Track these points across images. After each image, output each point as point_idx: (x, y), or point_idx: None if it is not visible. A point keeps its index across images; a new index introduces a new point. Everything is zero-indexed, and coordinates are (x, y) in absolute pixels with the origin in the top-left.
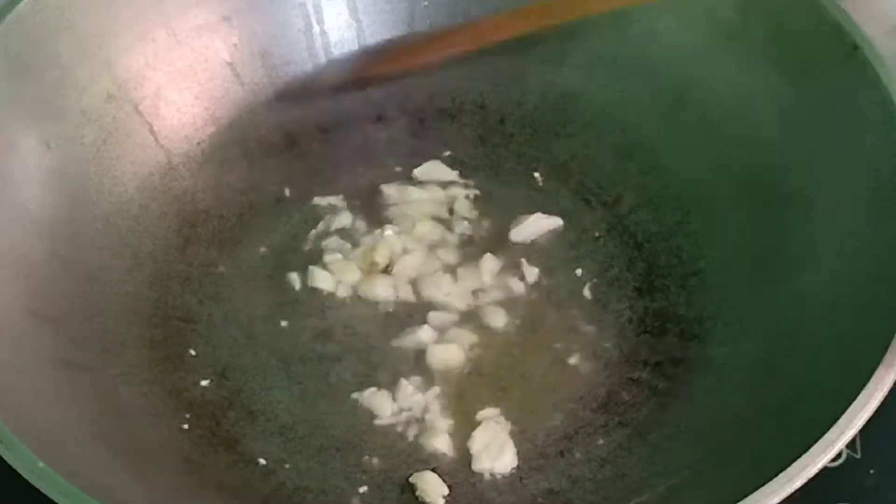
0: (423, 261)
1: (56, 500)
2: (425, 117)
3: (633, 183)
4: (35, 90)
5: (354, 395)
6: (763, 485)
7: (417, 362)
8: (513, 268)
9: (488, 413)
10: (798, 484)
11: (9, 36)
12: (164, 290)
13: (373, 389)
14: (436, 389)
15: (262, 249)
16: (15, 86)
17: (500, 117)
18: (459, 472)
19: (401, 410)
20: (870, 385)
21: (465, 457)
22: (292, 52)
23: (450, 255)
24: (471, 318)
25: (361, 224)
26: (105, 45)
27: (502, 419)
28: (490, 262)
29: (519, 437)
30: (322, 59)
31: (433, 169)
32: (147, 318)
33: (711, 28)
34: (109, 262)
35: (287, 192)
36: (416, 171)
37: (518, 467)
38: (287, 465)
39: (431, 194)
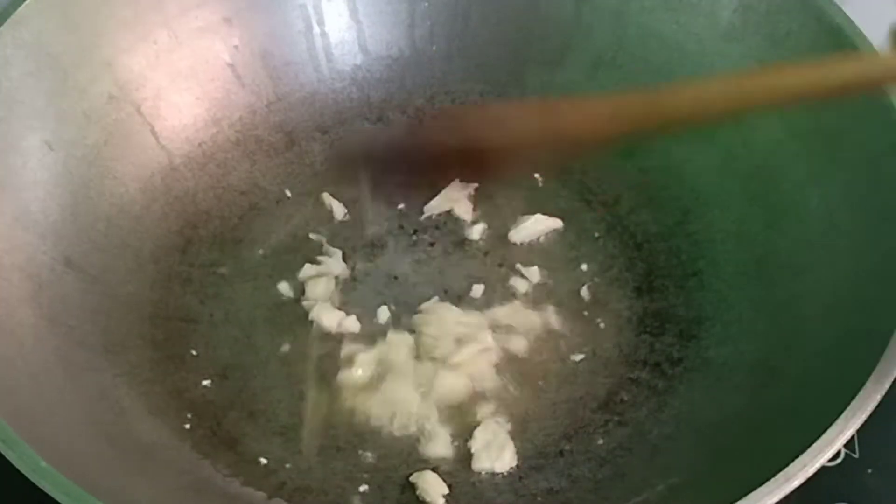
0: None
1: (59, 500)
2: (425, 117)
3: (633, 183)
4: (36, 91)
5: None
6: (762, 484)
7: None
8: (513, 268)
9: (488, 413)
10: (796, 483)
11: (10, 37)
12: (166, 291)
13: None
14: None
15: (263, 250)
16: (16, 87)
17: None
18: (459, 471)
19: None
20: (868, 385)
21: (465, 456)
22: (293, 53)
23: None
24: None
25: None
26: (106, 47)
27: (502, 419)
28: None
29: (519, 436)
30: (322, 60)
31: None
32: (148, 318)
33: (711, 28)
34: (111, 263)
35: (288, 192)
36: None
37: (518, 467)
38: (288, 465)
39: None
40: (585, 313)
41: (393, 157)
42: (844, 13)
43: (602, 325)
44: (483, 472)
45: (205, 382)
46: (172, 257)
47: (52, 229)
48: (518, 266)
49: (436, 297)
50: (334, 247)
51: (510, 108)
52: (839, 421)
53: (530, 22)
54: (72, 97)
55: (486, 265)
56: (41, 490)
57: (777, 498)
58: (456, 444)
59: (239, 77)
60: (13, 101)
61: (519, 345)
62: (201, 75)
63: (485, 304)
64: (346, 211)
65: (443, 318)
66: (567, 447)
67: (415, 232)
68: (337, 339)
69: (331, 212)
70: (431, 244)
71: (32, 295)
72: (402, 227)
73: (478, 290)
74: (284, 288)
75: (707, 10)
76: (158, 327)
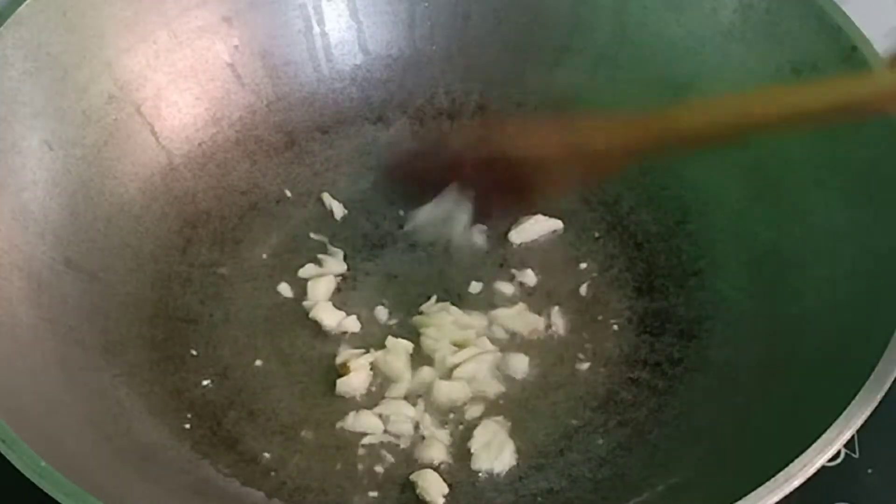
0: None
1: (58, 500)
2: (425, 117)
3: (633, 183)
4: (36, 91)
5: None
6: (762, 484)
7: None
8: (512, 269)
9: (488, 413)
10: (797, 483)
11: (10, 37)
12: (166, 291)
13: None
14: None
15: (263, 250)
16: (16, 87)
17: (500, 117)
18: (459, 471)
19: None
20: (868, 385)
21: (464, 456)
22: (292, 53)
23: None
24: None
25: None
26: (106, 47)
27: (502, 419)
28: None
29: (519, 436)
30: (322, 60)
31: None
32: (148, 318)
33: (712, 27)
34: (111, 263)
35: (288, 192)
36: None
37: (518, 466)
38: (288, 465)
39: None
40: (586, 313)
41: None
42: (844, 13)
43: (602, 325)
44: (483, 472)
45: (205, 382)
46: (172, 257)
47: (51, 229)
48: (514, 269)
49: (436, 297)
50: (334, 247)
51: (531, 122)
52: (839, 421)
53: (530, 22)
54: (71, 97)
55: (486, 265)
56: (41, 490)
57: (777, 498)
58: (454, 445)
59: (239, 77)
60: (13, 101)
61: (519, 345)
62: (201, 75)
63: (485, 304)
64: (345, 211)
65: (443, 319)
66: (567, 447)
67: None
68: (337, 339)
69: (331, 212)
70: (431, 244)
71: (32, 295)
72: (401, 227)
73: (478, 290)
74: (284, 288)
75: (707, 9)
76: (158, 327)
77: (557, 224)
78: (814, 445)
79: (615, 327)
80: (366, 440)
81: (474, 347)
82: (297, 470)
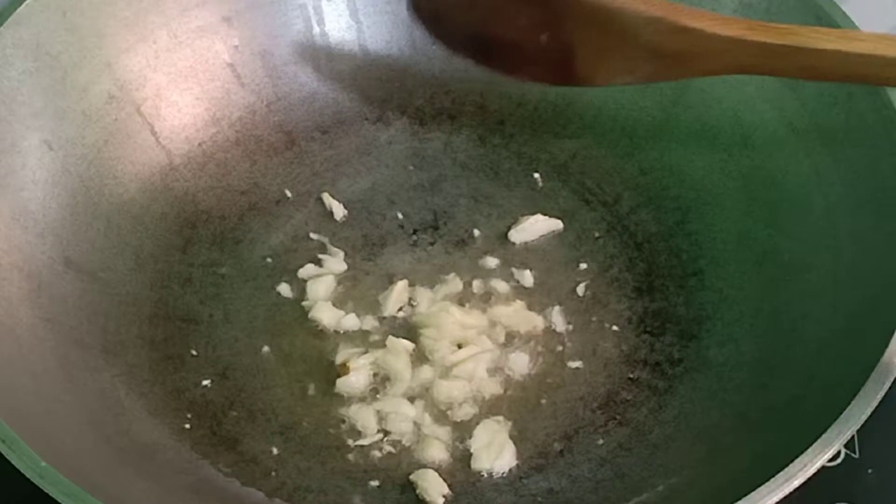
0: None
1: (59, 500)
2: (425, 117)
3: (633, 183)
4: (36, 91)
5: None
6: (762, 484)
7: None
8: (512, 269)
9: (488, 414)
10: (797, 483)
11: (10, 37)
12: (165, 291)
13: (359, 405)
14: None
15: (263, 250)
16: (16, 87)
17: (500, 117)
18: (459, 471)
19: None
20: (868, 385)
21: (464, 456)
22: (293, 53)
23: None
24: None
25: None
26: (106, 46)
27: (502, 419)
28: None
29: (519, 436)
30: (322, 60)
31: None
32: (148, 318)
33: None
34: (110, 263)
35: (288, 192)
36: None
37: (518, 467)
38: (288, 465)
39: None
40: (585, 313)
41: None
42: (844, 13)
43: (602, 325)
44: (483, 472)
45: (205, 382)
46: (172, 257)
47: (51, 229)
48: (513, 268)
49: (435, 297)
50: (334, 247)
51: None
52: (839, 421)
53: None
54: (71, 97)
55: (486, 265)
56: (41, 490)
57: (777, 498)
58: (454, 445)
59: (239, 77)
60: (13, 101)
61: (519, 345)
62: (201, 75)
63: (485, 304)
64: (345, 211)
65: (443, 319)
66: (567, 447)
67: (415, 232)
68: (337, 338)
69: (331, 212)
70: (431, 244)
71: (32, 294)
72: (402, 226)
73: (478, 290)
74: (284, 288)
75: (707, 9)
76: (158, 327)
77: (557, 224)
78: (814, 445)
79: (615, 327)
80: (366, 440)
81: (474, 346)
82: (297, 470)
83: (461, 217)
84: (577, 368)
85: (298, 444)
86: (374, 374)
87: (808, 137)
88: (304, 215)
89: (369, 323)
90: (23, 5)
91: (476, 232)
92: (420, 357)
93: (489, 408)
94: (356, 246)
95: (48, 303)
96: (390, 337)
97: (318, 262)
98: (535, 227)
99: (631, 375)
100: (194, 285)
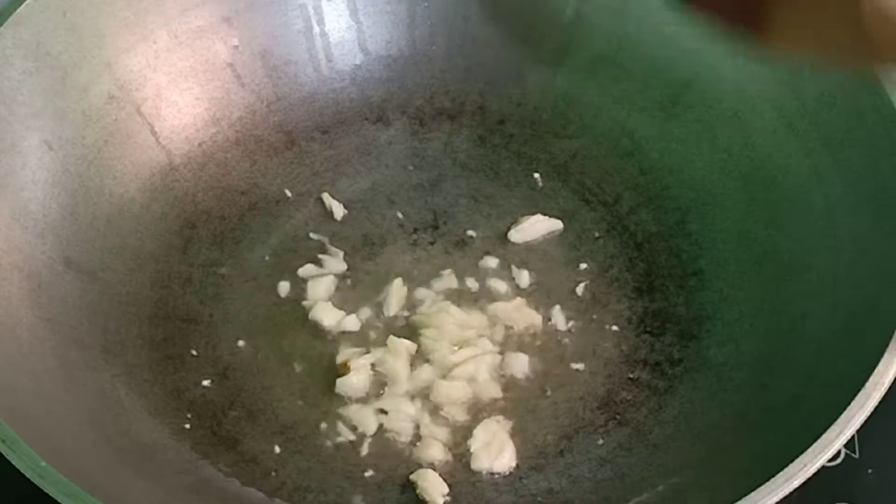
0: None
1: (58, 500)
2: (425, 117)
3: (633, 183)
4: (36, 91)
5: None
6: (762, 484)
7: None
8: (512, 268)
9: (488, 414)
10: (797, 483)
11: (10, 37)
12: (166, 291)
13: (359, 405)
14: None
15: (263, 250)
16: (16, 87)
17: (500, 117)
18: (459, 471)
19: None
20: (868, 385)
21: (464, 456)
22: (292, 53)
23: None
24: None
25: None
26: (106, 47)
27: (502, 419)
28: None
29: (519, 436)
30: (322, 60)
31: None
32: (148, 318)
33: (711, 29)
34: (111, 263)
35: (288, 192)
36: None
37: (518, 467)
38: (288, 465)
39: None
40: (586, 313)
41: None
42: None
43: (602, 325)
44: (483, 472)
45: (205, 382)
46: (172, 257)
47: (51, 229)
48: (513, 269)
49: (435, 297)
50: (334, 247)
51: None
52: (839, 421)
53: (530, 22)
54: (71, 97)
55: (486, 265)
56: (41, 490)
57: (777, 498)
58: (454, 445)
59: (239, 77)
60: (13, 101)
61: (519, 346)
62: (201, 75)
63: (485, 304)
64: (345, 211)
65: (443, 319)
66: (567, 447)
67: (414, 231)
68: (337, 339)
69: (331, 212)
70: (431, 244)
71: (32, 294)
72: (402, 226)
73: (477, 290)
74: (284, 288)
75: None
76: (158, 327)
77: (557, 224)
78: (814, 445)
79: (615, 327)
80: (366, 440)
81: (474, 347)
82: (297, 470)
83: (461, 217)
84: (576, 368)
85: (298, 444)
86: (374, 375)
87: (808, 137)
88: (304, 215)
89: (369, 323)
90: (23, 5)
91: (476, 232)
92: (420, 357)
93: (489, 408)
94: (356, 246)
95: (48, 303)
96: (391, 337)
97: (318, 262)
98: (535, 227)
99: (631, 375)
100: (194, 285)
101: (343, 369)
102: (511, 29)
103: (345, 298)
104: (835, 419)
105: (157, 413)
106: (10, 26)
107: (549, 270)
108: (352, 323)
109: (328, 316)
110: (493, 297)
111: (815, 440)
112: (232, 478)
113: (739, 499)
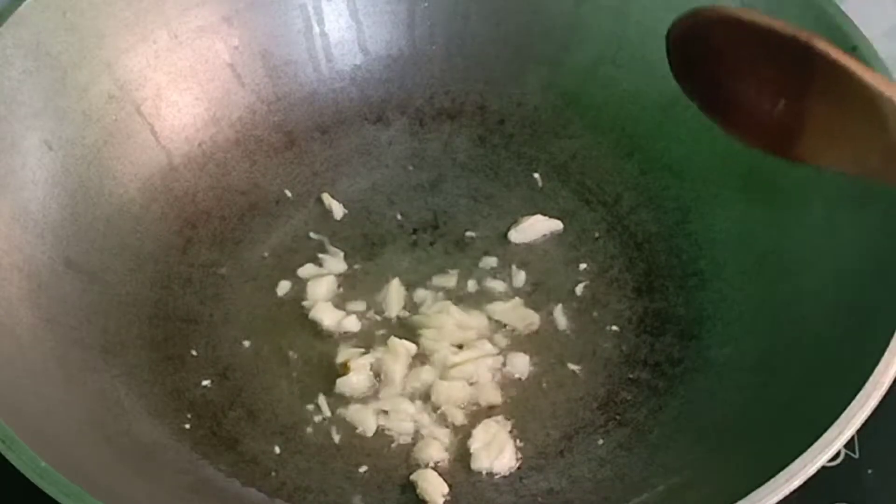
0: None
1: (58, 500)
2: (425, 117)
3: (633, 183)
4: (36, 91)
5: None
6: (762, 484)
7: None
8: (512, 268)
9: (488, 414)
10: (797, 483)
11: (10, 37)
12: (165, 291)
13: (359, 405)
14: (430, 404)
15: (263, 250)
16: (16, 86)
17: (500, 117)
18: (459, 471)
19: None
20: (868, 385)
21: (464, 456)
22: (292, 53)
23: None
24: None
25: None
26: (106, 46)
27: (502, 419)
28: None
29: (519, 436)
30: (322, 60)
31: None
32: (148, 318)
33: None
34: (110, 263)
35: (288, 192)
36: None
37: (518, 467)
38: (288, 465)
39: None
40: (585, 313)
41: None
42: (844, 13)
43: (602, 325)
44: (483, 473)
45: (205, 383)
46: (172, 257)
47: (51, 229)
48: (513, 269)
49: (435, 297)
50: (334, 247)
51: None
52: (839, 421)
53: (530, 21)
54: (71, 97)
55: (486, 265)
56: (41, 490)
57: (777, 498)
58: (454, 445)
59: (239, 77)
60: (13, 101)
61: (519, 346)
62: (201, 75)
63: (485, 304)
64: (345, 211)
65: (443, 320)
66: (567, 447)
67: (414, 231)
68: (337, 339)
69: (330, 212)
70: (431, 244)
71: (31, 295)
72: (402, 226)
73: (477, 290)
74: (284, 288)
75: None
76: (158, 327)
77: (557, 224)
78: (814, 445)
79: (615, 327)
80: (366, 440)
81: (475, 349)
82: (297, 470)
83: (461, 217)
84: (577, 369)
85: (298, 445)
86: (374, 375)
87: None
88: (303, 215)
89: (369, 323)
90: (23, 5)
91: (476, 232)
92: (420, 358)
93: (489, 408)
94: (356, 246)
95: (48, 303)
96: (392, 337)
97: (318, 262)
98: (535, 228)
99: (631, 376)
100: (194, 285)
101: (343, 369)
102: (511, 29)
103: (345, 298)
104: (835, 419)
105: (157, 413)
106: (10, 26)
107: (549, 270)
108: (352, 323)
109: (328, 316)
110: (492, 297)
111: (815, 440)
112: (232, 478)
113: (739, 499)
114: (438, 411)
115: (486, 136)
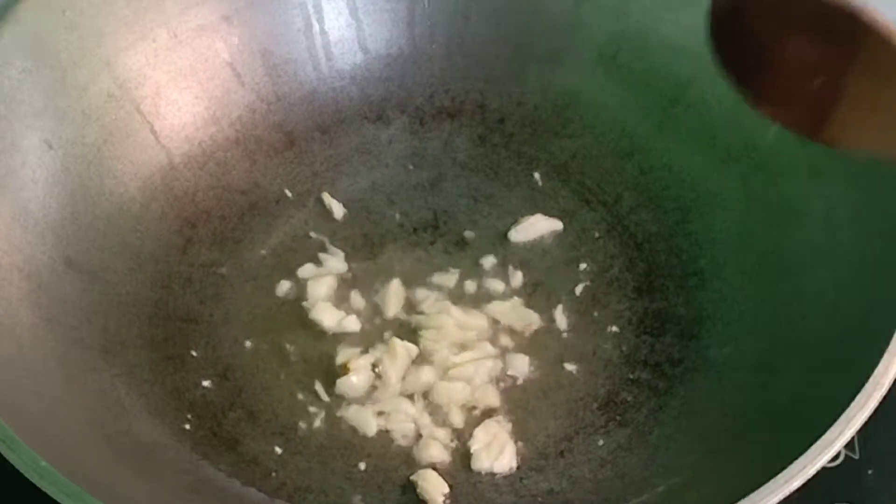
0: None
1: (58, 500)
2: (425, 117)
3: (633, 183)
4: (36, 90)
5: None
6: (762, 485)
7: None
8: (512, 268)
9: (488, 414)
10: (797, 484)
11: (9, 36)
12: (165, 291)
13: (359, 405)
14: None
15: (263, 250)
16: (16, 86)
17: (500, 117)
18: (459, 471)
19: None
20: (868, 385)
21: (464, 456)
22: (292, 52)
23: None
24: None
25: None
26: (105, 45)
27: (502, 419)
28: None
29: (519, 437)
30: (322, 59)
31: None
32: (148, 318)
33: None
34: (110, 263)
35: (288, 192)
36: None
37: (518, 467)
38: (288, 465)
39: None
40: (585, 313)
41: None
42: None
43: (602, 325)
44: (483, 473)
45: (205, 383)
46: (172, 257)
47: (51, 229)
48: (512, 269)
49: (436, 297)
50: (334, 246)
51: None
52: (839, 421)
53: (530, 20)
54: (71, 96)
55: (486, 265)
56: (41, 490)
57: (777, 498)
58: (454, 446)
59: (238, 76)
60: (13, 100)
61: (519, 346)
62: (201, 74)
63: (485, 304)
64: (345, 211)
65: (443, 320)
66: (567, 448)
67: (414, 231)
68: (337, 339)
69: (330, 211)
70: (431, 243)
71: (32, 294)
72: (402, 226)
73: (477, 290)
74: (284, 288)
75: (707, 9)
76: (158, 327)
77: (557, 224)
78: (814, 446)
79: (615, 328)
80: (366, 440)
81: (475, 350)
82: (297, 470)
83: (461, 217)
84: (576, 369)
85: (299, 445)
86: (375, 375)
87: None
88: (303, 215)
89: (369, 323)
90: (22, 4)
91: (476, 232)
92: (420, 358)
93: (489, 408)
94: (356, 245)
95: (48, 303)
96: (393, 338)
97: (318, 262)
98: (535, 227)
99: (631, 376)
100: (194, 285)
101: (343, 370)
102: (511, 29)
103: (345, 298)
104: (835, 420)
105: (157, 413)
106: (10, 25)
107: (549, 270)
108: (352, 323)
109: (328, 316)
110: (492, 297)
111: (815, 440)
112: (232, 478)
113: (739, 499)
114: (439, 412)
115: (486, 136)
